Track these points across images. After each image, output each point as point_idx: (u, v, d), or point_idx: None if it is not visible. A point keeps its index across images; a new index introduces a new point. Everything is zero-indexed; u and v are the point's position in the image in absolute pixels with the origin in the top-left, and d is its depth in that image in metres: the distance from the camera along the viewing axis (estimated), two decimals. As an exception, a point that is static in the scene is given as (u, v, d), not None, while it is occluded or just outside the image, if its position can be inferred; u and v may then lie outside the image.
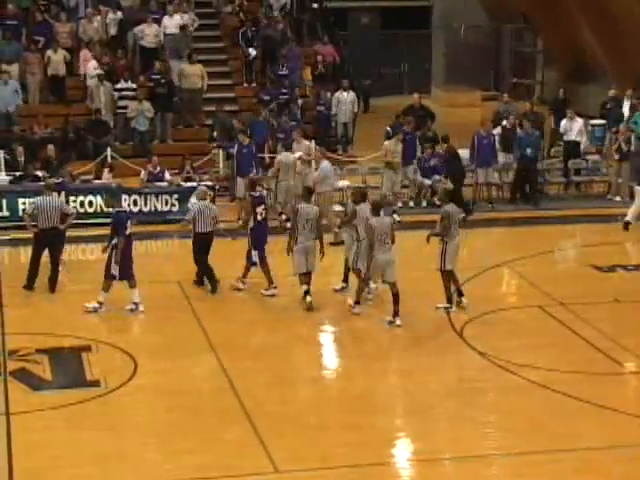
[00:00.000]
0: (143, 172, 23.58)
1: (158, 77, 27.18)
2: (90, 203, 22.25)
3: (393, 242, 16.80)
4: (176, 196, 22.84)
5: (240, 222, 19.38)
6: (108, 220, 21.43)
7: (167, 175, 23.53)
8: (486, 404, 14.06)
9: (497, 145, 24.93)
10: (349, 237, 17.95)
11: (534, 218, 23.54)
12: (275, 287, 18.19)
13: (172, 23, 28.36)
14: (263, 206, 18.57)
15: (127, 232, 17.28)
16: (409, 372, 15.10)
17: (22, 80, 27.17)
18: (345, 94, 27.68)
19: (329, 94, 27.93)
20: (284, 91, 27.75)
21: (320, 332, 17.01)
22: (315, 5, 31.13)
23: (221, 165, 25.64)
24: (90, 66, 27.12)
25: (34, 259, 18.28)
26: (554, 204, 24.69)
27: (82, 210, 21.63)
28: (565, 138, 25.78)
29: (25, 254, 19.08)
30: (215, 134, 25.35)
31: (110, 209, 19.17)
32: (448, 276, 17.30)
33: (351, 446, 12.50)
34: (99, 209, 22.22)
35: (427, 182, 24.25)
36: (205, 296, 18.10)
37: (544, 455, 12.31)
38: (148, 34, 28.18)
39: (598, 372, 14.89)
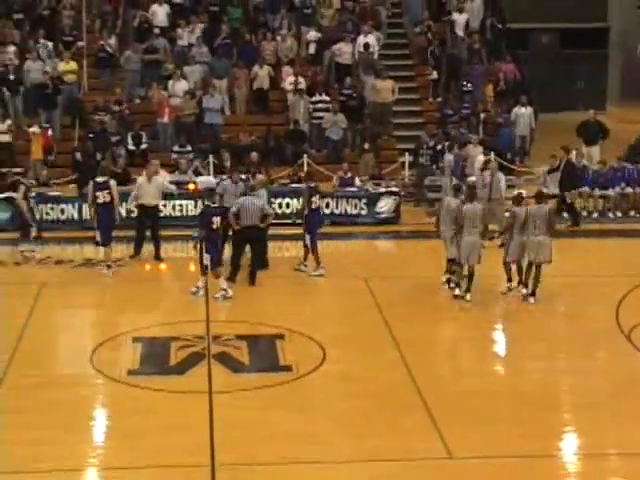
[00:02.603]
0: (335, 177, 23.77)
1: (350, 91, 27.38)
2: (287, 205, 22.53)
3: (486, 228, 17.65)
4: (365, 200, 22.95)
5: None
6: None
7: (357, 181, 23.65)
8: (653, 404, 13.66)
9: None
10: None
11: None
12: (322, 268, 18.85)
13: (369, 42, 28.47)
14: (318, 195, 19.24)
15: (213, 226, 17.43)
16: (578, 371, 14.76)
17: (230, 93, 27.75)
18: (523, 109, 27.26)
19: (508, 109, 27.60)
20: (466, 106, 27.56)
21: (496, 330, 16.88)
22: (499, 26, 30.75)
23: (407, 172, 25.66)
24: (291, 81, 27.48)
25: (236, 255, 18.63)
26: None
27: (280, 211, 21.87)
28: None
29: (228, 250, 19.41)
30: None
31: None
32: (508, 266, 17.76)
33: (521, 438, 12.31)
34: (295, 210, 22.51)
35: (610, 193, 23.74)
36: (390, 291, 18.11)
37: None
38: (345, 51, 28.36)
39: None
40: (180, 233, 21.18)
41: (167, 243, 20.66)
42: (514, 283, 17.83)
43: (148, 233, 20.14)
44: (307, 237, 19.03)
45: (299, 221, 19.54)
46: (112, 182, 19.38)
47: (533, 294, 17.49)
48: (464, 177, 22.82)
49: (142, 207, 19.99)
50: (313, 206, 19.23)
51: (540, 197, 18.00)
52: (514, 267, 17.80)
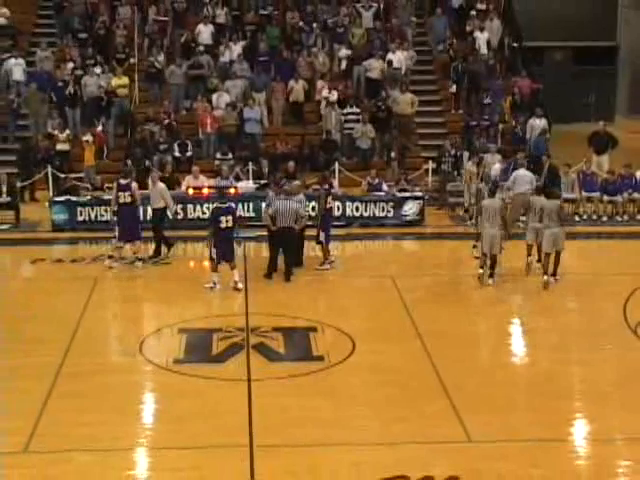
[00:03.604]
0: (364, 183, 23.75)
1: (380, 104, 27.36)
2: (320, 208, 22.50)
3: (505, 222, 17.98)
4: (391, 204, 22.90)
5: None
6: (336, 223, 21.98)
7: (384, 186, 23.62)
8: (657, 394, 13.55)
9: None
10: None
11: None
12: (330, 262, 19.01)
13: (394, 59, 28.50)
14: (331, 197, 19.62)
15: (221, 225, 17.61)
16: (588, 363, 14.68)
17: (268, 105, 27.83)
18: (538, 121, 27.12)
19: (524, 120, 27.49)
20: (486, 117, 27.48)
21: (512, 325, 16.77)
22: (515, 44, 30.67)
23: (430, 178, 25.62)
24: (324, 94, 27.50)
25: (273, 254, 18.63)
26: None
27: (313, 213, 21.80)
28: None
29: (266, 248, 19.43)
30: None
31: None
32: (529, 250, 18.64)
33: (535, 424, 12.30)
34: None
35: (619, 199, 23.64)
36: (414, 288, 18.09)
37: None
38: (375, 67, 28.36)
39: None
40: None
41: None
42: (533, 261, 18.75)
43: (193, 232, 20.22)
44: (322, 234, 19.13)
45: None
46: (134, 184, 19.47)
47: (554, 274, 17.99)
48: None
49: (152, 210, 20.16)
50: (328, 206, 19.41)
51: (551, 194, 18.52)
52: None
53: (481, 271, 18.10)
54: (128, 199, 19.15)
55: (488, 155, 23.84)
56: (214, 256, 17.75)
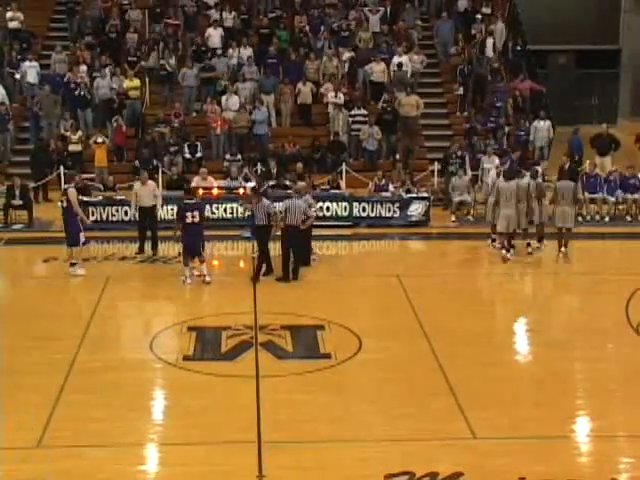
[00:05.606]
0: (371, 184, 23.70)
1: (385, 106, 27.32)
2: (327, 208, 22.46)
3: (519, 201, 19.33)
4: (397, 204, 22.84)
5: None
6: (343, 223, 22.02)
7: (391, 187, 23.57)
8: (660, 392, 13.50)
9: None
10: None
11: None
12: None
13: (403, 61, 28.42)
14: (310, 194, 19.88)
15: (188, 220, 17.79)
16: (591, 360, 14.63)
17: (277, 107, 27.81)
18: (542, 123, 27.07)
19: (527, 123, 27.40)
20: (491, 119, 27.41)
21: (516, 323, 16.72)
22: (519, 47, 30.59)
23: (435, 180, 25.56)
24: (331, 96, 27.46)
25: (284, 253, 18.56)
26: None
27: (321, 214, 21.75)
28: None
29: (274, 247, 19.34)
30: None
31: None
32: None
33: (539, 421, 12.26)
34: (334, 213, 22.44)
35: (622, 200, 23.62)
36: (420, 287, 18.03)
37: None
38: (376, 70, 28.32)
39: None
40: (230, 233, 21.24)
41: (219, 242, 20.74)
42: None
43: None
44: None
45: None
46: (70, 190, 18.86)
47: (565, 246, 19.64)
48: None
49: (141, 209, 20.02)
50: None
51: (566, 175, 20.44)
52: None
53: (504, 252, 19.23)
54: (65, 203, 18.63)
55: (485, 156, 23.71)
56: (180, 250, 18.11)
